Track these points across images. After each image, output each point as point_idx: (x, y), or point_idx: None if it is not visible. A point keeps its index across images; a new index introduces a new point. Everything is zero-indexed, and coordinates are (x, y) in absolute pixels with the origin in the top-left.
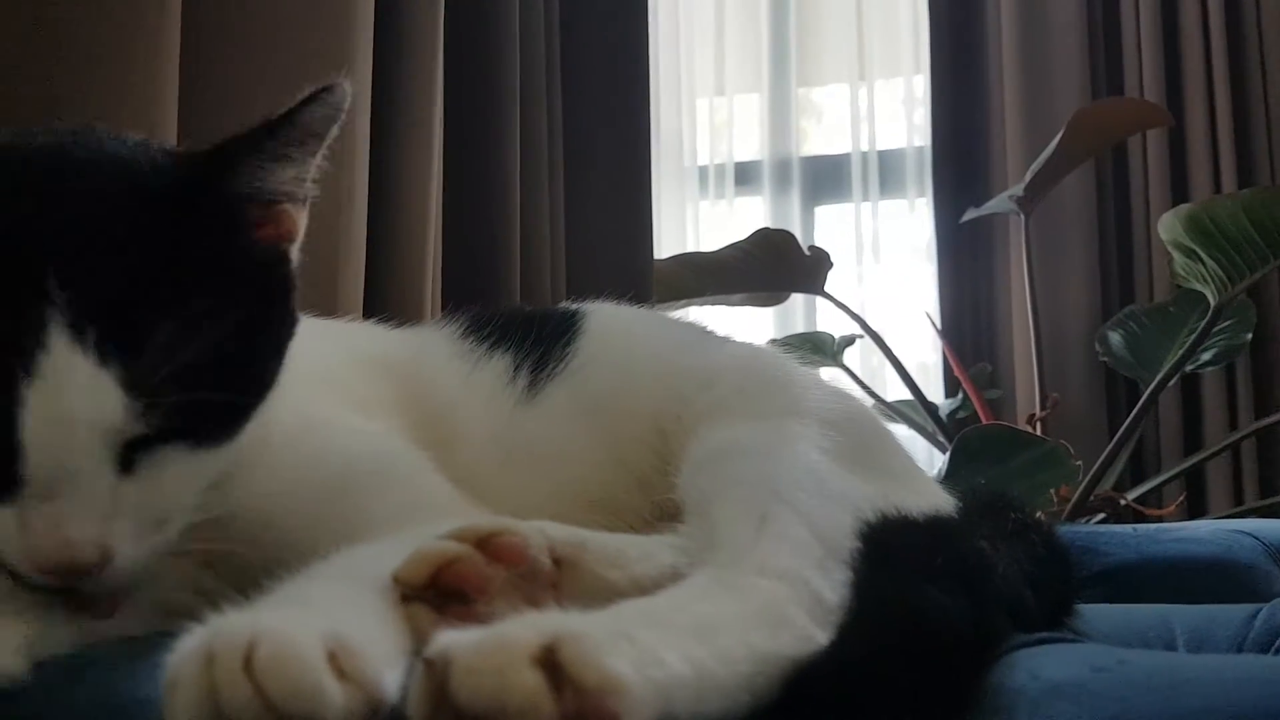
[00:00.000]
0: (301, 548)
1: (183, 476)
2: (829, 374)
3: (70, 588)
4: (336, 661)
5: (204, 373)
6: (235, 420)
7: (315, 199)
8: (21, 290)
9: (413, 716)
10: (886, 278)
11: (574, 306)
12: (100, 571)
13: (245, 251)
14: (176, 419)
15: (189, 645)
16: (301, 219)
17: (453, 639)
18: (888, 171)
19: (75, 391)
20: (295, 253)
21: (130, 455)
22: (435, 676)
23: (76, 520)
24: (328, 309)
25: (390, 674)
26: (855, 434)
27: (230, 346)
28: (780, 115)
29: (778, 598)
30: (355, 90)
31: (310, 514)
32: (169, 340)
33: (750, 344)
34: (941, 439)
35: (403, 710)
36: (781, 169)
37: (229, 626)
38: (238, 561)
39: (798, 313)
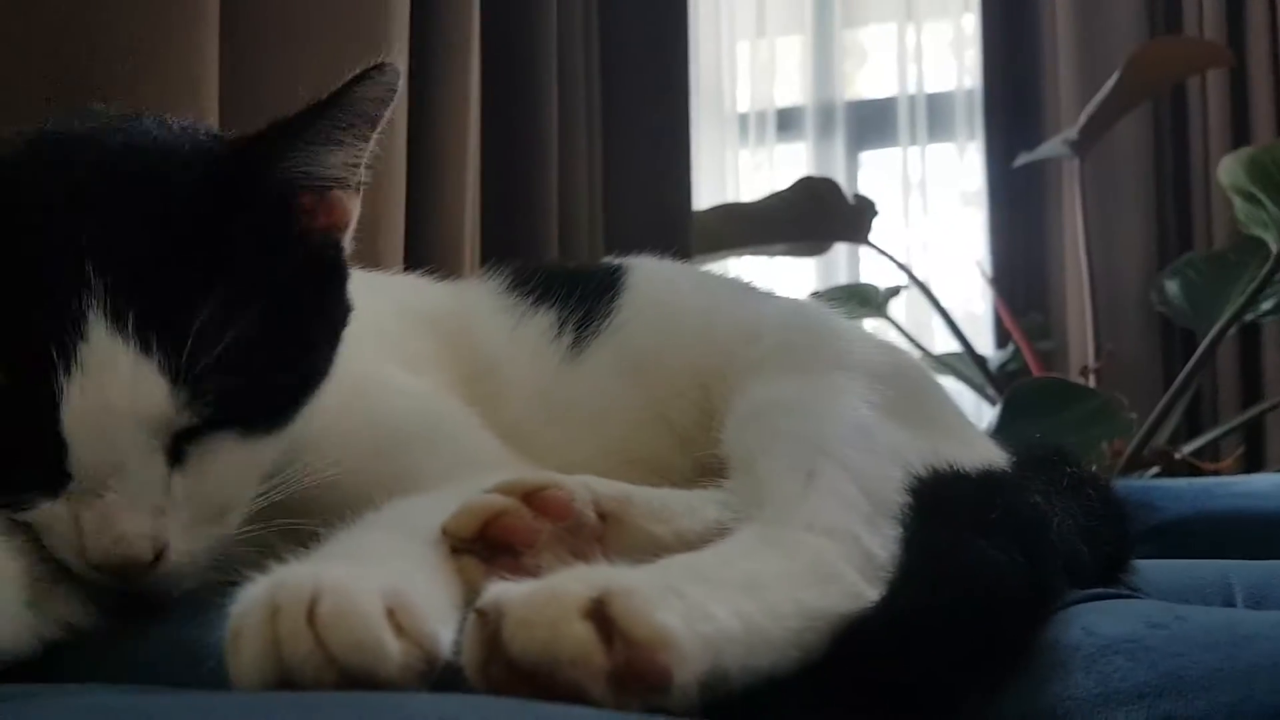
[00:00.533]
0: (357, 505)
1: (235, 466)
2: (874, 326)
3: (126, 585)
4: (395, 618)
5: (250, 361)
6: (286, 407)
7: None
8: (60, 279)
9: (466, 665)
10: (934, 226)
11: (616, 262)
12: (154, 568)
13: (294, 239)
14: (224, 408)
15: (253, 596)
16: (354, 206)
17: (504, 590)
18: (936, 115)
19: (116, 382)
20: (348, 241)
21: (180, 447)
22: (487, 627)
23: (127, 515)
24: (368, 262)
25: (445, 631)
26: (903, 387)
27: (278, 335)
28: (824, 58)
29: (827, 554)
30: (393, 36)
31: (365, 472)
32: (212, 328)
33: (793, 298)
34: (991, 392)
35: (456, 662)
36: (825, 114)
37: (292, 579)
38: (295, 518)
39: (841, 263)
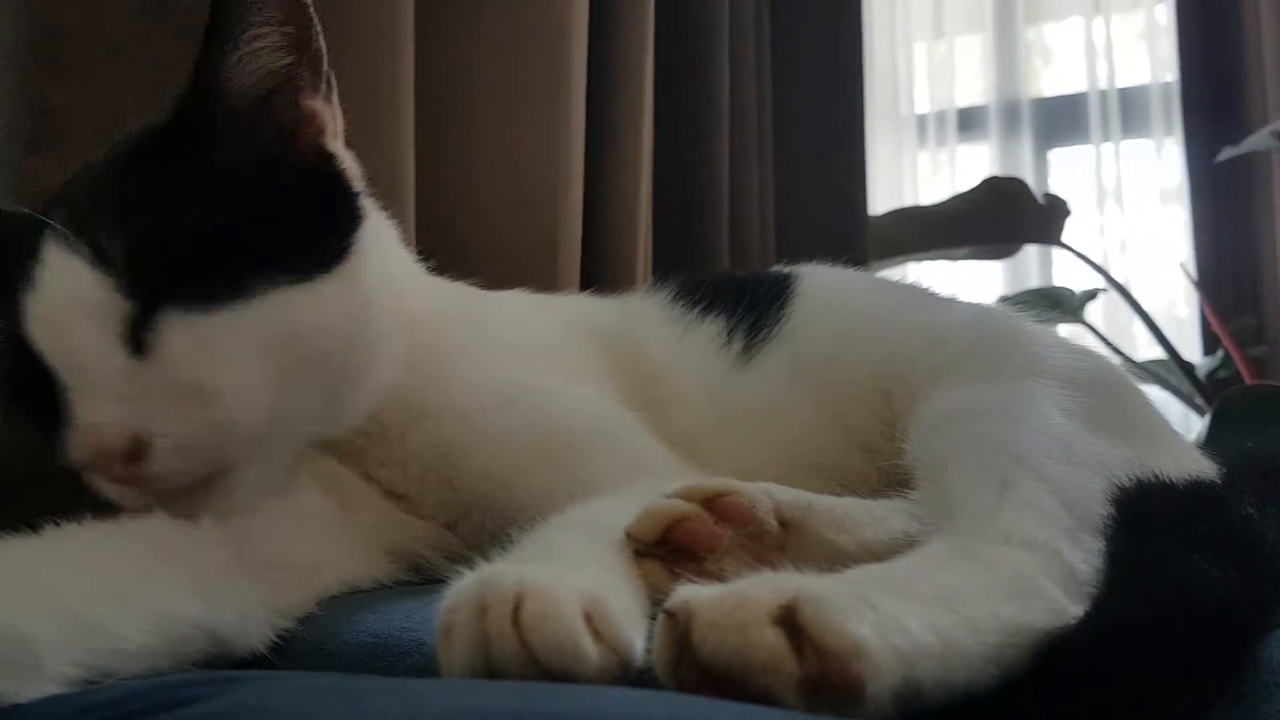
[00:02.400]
0: (531, 508)
1: (197, 342)
2: (1069, 332)
3: (143, 493)
4: (592, 623)
5: (176, 238)
6: (239, 282)
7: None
8: (30, 232)
9: (656, 665)
10: (1132, 225)
11: (785, 270)
12: (143, 458)
13: (260, 149)
14: (157, 284)
15: (462, 592)
16: (328, 111)
17: (693, 592)
18: (1130, 110)
19: (52, 281)
20: (336, 147)
21: (138, 337)
22: (676, 628)
23: (92, 407)
24: (546, 283)
25: (637, 637)
26: (1101, 394)
27: (221, 216)
28: (1007, 55)
29: (1027, 568)
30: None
31: (536, 475)
32: (132, 216)
33: (977, 302)
34: (1199, 401)
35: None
36: (1010, 112)
37: (498, 579)
38: (475, 522)
39: (1031, 266)
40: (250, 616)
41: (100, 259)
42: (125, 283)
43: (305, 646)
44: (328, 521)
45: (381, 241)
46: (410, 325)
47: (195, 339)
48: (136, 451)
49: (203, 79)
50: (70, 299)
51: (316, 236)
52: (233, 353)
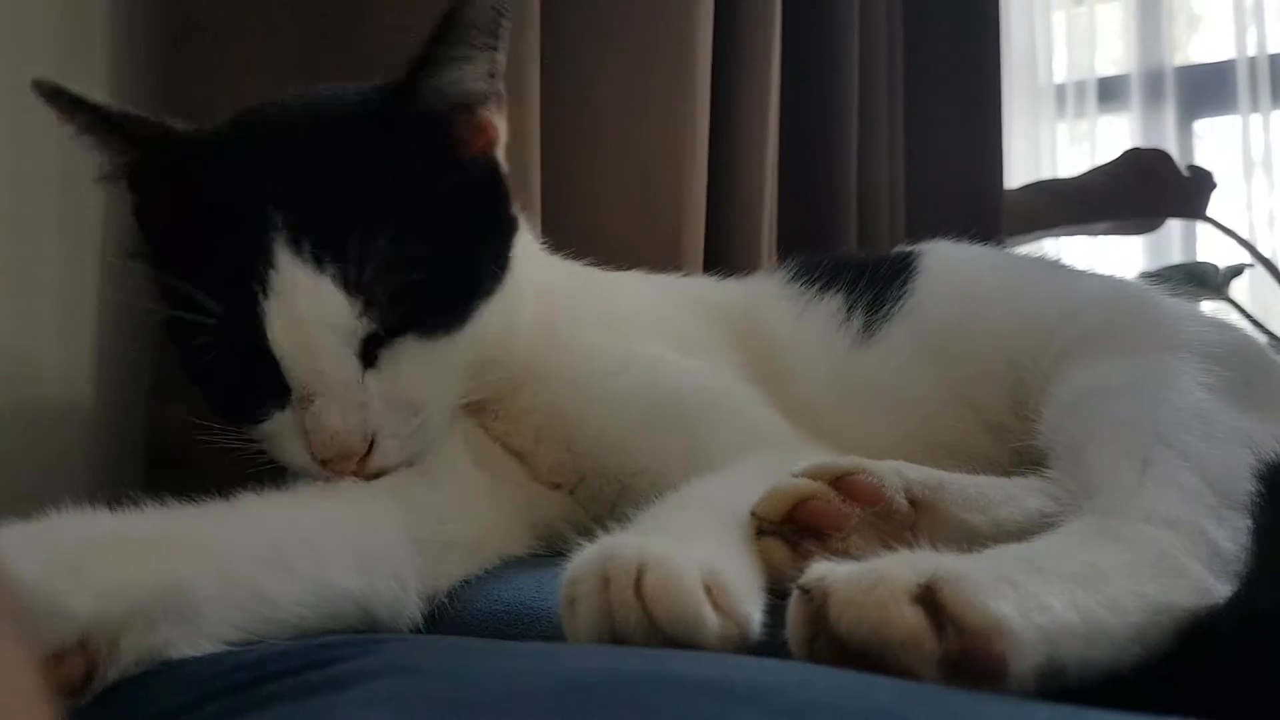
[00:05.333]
0: (648, 475)
1: (422, 364)
2: (1213, 308)
3: (352, 473)
4: (712, 595)
5: (414, 270)
6: (457, 309)
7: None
8: (251, 224)
9: (791, 639)
10: None
11: (907, 248)
12: (370, 456)
13: (450, 160)
14: (397, 313)
15: (585, 563)
16: (500, 123)
17: (828, 570)
18: None
19: (301, 299)
20: (501, 156)
21: (372, 352)
22: (811, 604)
23: (336, 415)
24: (670, 264)
25: (755, 609)
26: (1242, 368)
27: (440, 247)
28: (1150, 22)
29: (1170, 547)
30: (695, 42)
31: (651, 441)
32: (376, 244)
33: (1112, 276)
34: None
35: (766, 641)
36: (1153, 81)
37: (621, 551)
38: (593, 489)
39: (1174, 241)
40: (406, 593)
41: (348, 284)
42: (362, 305)
43: (441, 614)
44: (486, 497)
45: (523, 238)
46: (534, 297)
47: (422, 361)
48: (367, 452)
49: (412, 87)
50: (321, 319)
51: (500, 256)
52: (446, 371)
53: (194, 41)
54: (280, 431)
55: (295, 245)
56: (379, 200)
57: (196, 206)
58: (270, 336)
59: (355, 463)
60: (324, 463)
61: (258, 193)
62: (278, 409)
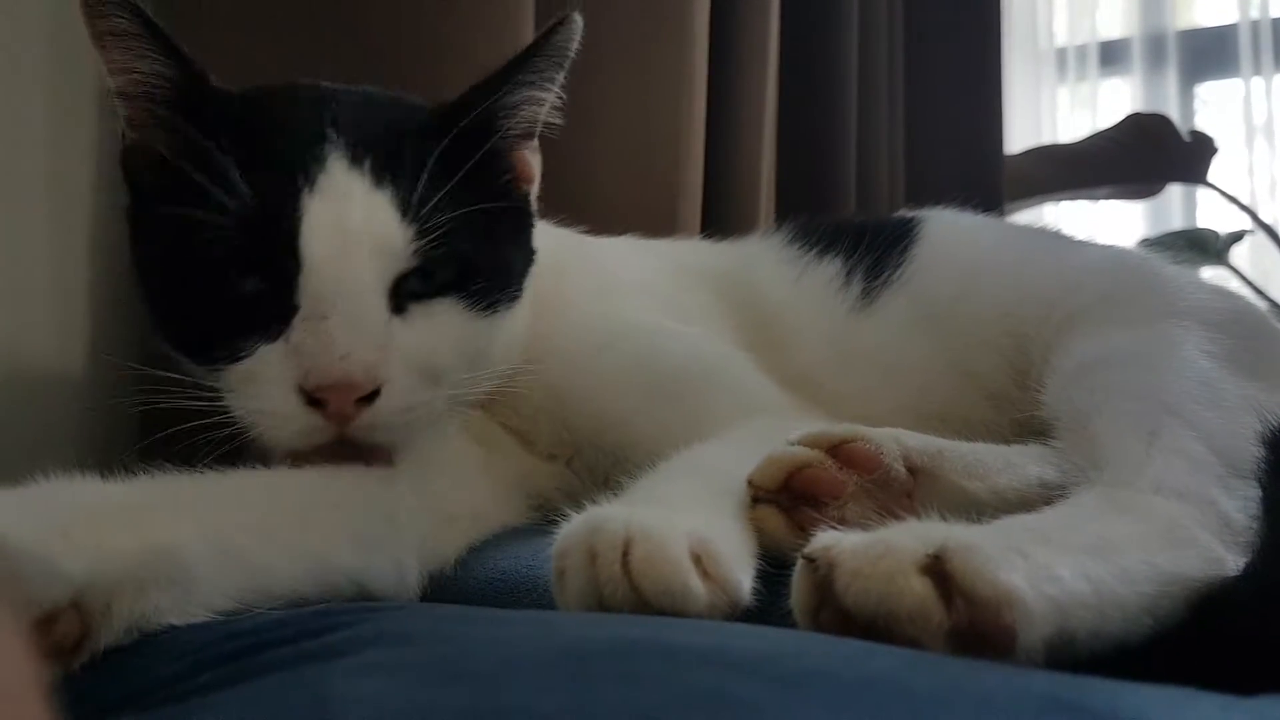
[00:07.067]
0: (645, 445)
1: (450, 332)
2: (1213, 275)
3: (337, 430)
4: (700, 564)
5: (465, 239)
6: (493, 300)
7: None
8: (306, 135)
9: (796, 609)
10: None
11: (908, 215)
12: (367, 404)
13: (503, 182)
14: (448, 272)
15: (572, 536)
16: (536, 163)
17: (834, 539)
18: None
19: (352, 205)
20: (533, 196)
21: (404, 302)
22: (817, 574)
23: (352, 336)
24: (666, 229)
25: (745, 577)
26: (1245, 336)
27: (488, 235)
28: None
29: (1180, 517)
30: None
31: (646, 414)
32: (436, 189)
33: (1113, 245)
34: None
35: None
36: (1154, 45)
37: (606, 524)
38: (589, 461)
39: (1175, 207)
40: (403, 573)
41: (405, 209)
42: (414, 234)
43: (436, 583)
44: (483, 469)
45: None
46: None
47: (450, 328)
48: (368, 396)
49: (484, 101)
50: (367, 230)
51: (523, 276)
52: (465, 350)
53: (193, 41)
54: (258, 372)
55: (353, 158)
56: (440, 168)
57: (237, 123)
58: (304, 233)
59: (351, 403)
60: (314, 399)
61: (319, 117)
62: (264, 341)
